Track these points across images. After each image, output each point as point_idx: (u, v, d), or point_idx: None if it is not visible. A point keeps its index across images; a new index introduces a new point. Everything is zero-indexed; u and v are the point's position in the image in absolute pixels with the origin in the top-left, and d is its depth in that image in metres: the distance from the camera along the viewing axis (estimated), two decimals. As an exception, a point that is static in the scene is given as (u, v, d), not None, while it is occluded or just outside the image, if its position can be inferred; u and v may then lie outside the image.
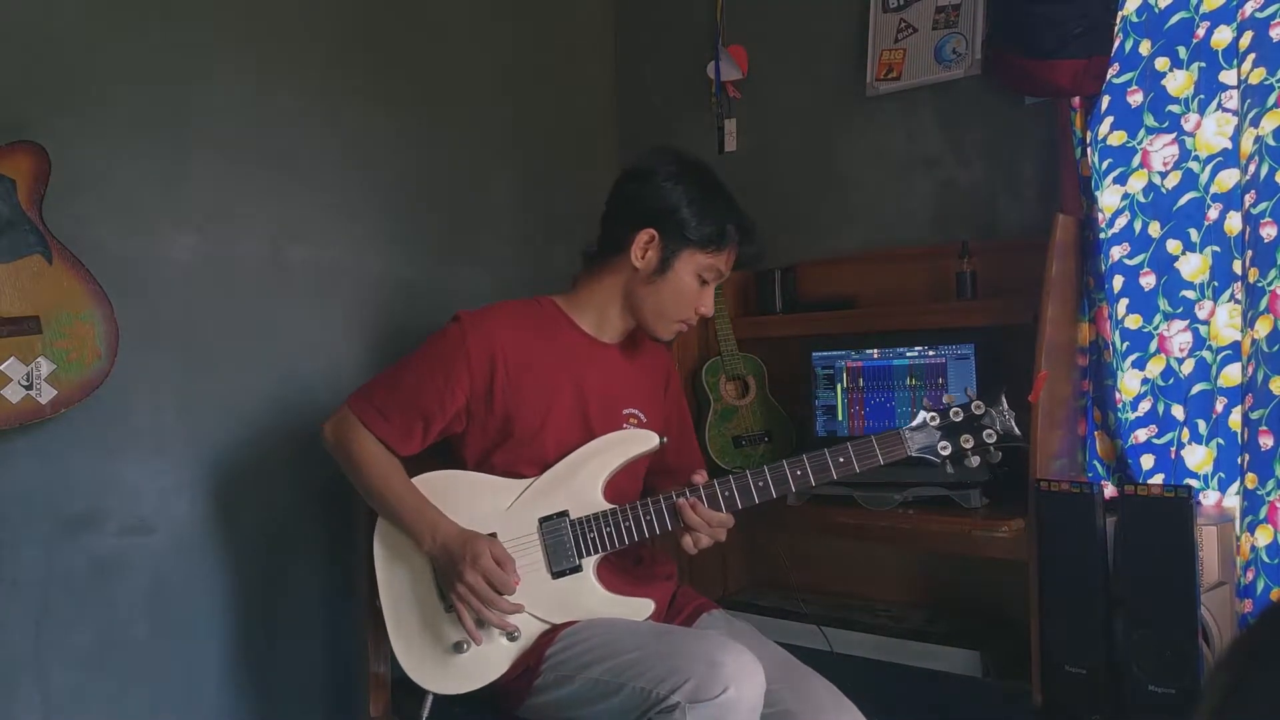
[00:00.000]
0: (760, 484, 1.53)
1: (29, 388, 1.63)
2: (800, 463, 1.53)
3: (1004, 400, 1.50)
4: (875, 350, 2.15)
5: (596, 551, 1.57)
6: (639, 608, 1.57)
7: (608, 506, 1.58)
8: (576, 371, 1.65)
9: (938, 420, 1.50)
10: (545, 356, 1.64)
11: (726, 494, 1.54)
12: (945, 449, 1.49)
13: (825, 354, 2.20)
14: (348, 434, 1.62)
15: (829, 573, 2.33)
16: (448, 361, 1.60)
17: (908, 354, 2.11)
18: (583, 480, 1.60)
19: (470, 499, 1.59)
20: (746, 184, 2.54)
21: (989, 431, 1.48)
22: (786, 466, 1.53)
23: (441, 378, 1.59)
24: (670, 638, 1.48)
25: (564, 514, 1.58)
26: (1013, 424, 1.48)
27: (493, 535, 1.56)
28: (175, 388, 1.92)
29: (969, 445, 1.49)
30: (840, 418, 2.18)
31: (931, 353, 2.08)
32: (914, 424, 1.52)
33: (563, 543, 1.57)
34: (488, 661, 1.55)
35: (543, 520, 1.58)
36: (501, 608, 1.52)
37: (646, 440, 1.63)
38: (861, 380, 2.17)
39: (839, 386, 2.19)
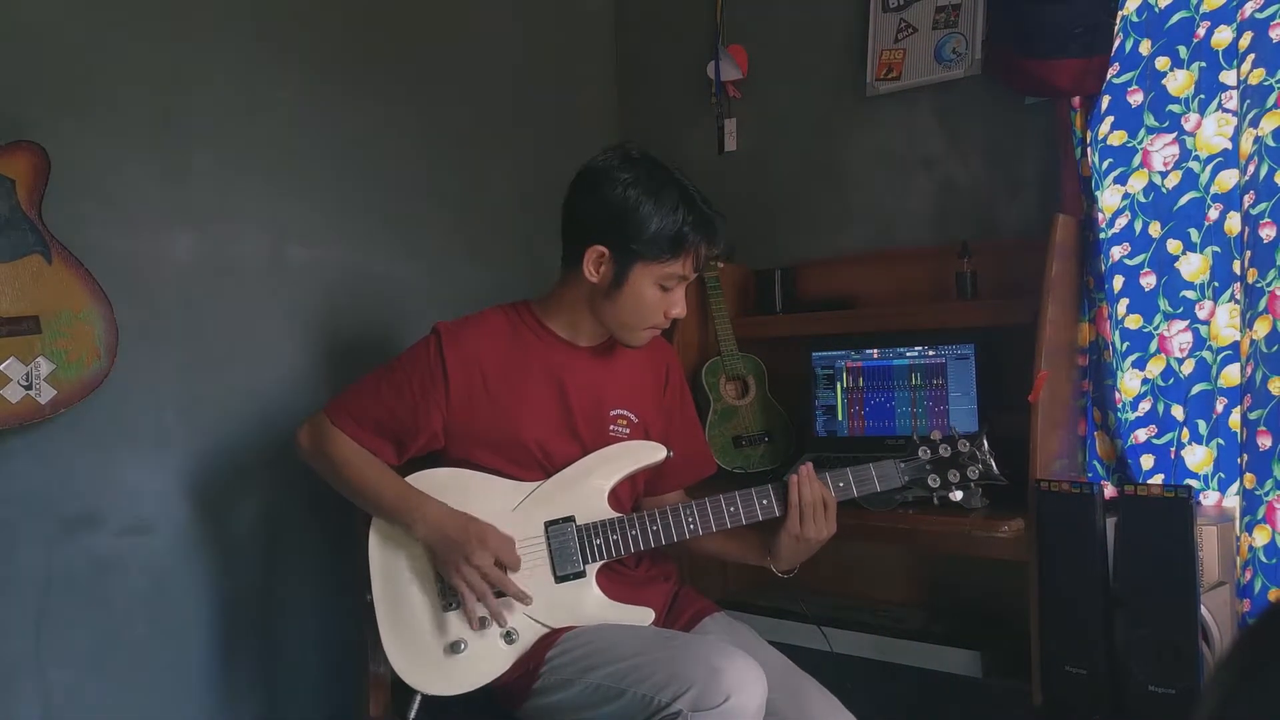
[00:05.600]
0: (764, 502, 1.57)
1: (28, 388, 1.63)
2: None
3: (985, 441, 1.59)
4: (875, 350, 2.15)
5: (601, 558, 1.57)
6: (639, 616, 1.57)
7: (614, 514, 1.59)
8: (557, 377, 1.63)
9: (929, 454, 1.58)
10: (525, 364, 1.63)
11: (732, 509, 1.56)
12: (934, 482, 1.58)
13: (825, 354, 2.20)
14: (324, 440, 1.60)
15: (829, 573, 2.32)
16: (425, 380, 1.58)
17: (908, 354, 2.11)
18: (589, 488, 1.60)
19: (476, 498, 1.58)
20: (746, 184, 2.58)
21: (973, 469, 1.57)
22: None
23: (420, 394, 1.58)
24: (672, 643, 1.48)
25: (570, 519, 1.58)
26: (994, 465, 1.58)
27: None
28: (175, 388, 1.92)
29: (955, 480, 1.57)
30: (840, 418, 2.18)
31: (931, 353, 2.08)
32: (908, 456, 1.59)
33: (568, 547, 1.56)
34: (485, 662, 1.54)
35: (549, 524, 1.57)
36: (511, 591, 1.51)
37: (654, 452, 1.65)
38: (861, 380, 2.17)
39: (839, 386, 2.19)
